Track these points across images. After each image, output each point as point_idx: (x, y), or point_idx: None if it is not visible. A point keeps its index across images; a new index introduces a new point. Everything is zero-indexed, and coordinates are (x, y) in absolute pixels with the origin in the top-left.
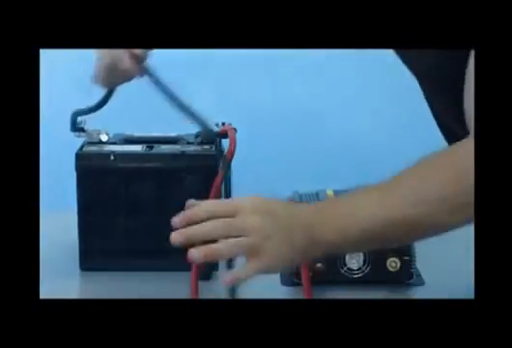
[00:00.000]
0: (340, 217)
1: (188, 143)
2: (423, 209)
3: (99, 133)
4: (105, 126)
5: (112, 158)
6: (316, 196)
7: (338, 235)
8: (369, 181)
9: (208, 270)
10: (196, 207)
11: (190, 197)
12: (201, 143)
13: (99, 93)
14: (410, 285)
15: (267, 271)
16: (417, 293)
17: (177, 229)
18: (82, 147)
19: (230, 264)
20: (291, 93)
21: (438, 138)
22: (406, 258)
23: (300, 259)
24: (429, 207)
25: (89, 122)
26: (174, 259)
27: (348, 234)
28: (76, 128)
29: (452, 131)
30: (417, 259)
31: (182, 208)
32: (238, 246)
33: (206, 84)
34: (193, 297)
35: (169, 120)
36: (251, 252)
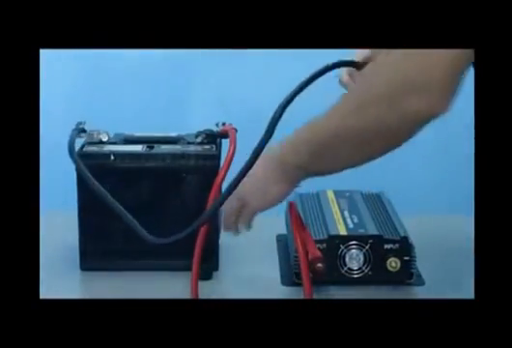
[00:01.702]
0: (292, 139)
1: (189, 143)
2: (359, 114)
3: (99, 133)
4: (105, 126)
5: (112, 157)
6: (316, 196)
7: (293, 153)
8: (369, 181)
9: (208, 270)
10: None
11: (190, 197)
12: (201, 143)
13: (100, 93)
14: (410, 285)
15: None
16: (417, 293)
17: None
18: (82, 147)
19: None
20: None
21: (436, 139)
22: (406, 258)
23: (283, 187)
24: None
25: (89, 122)
26: (174, 259)
27: (299, 149)
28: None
29: None
30: (417, 259)
31: (182, 208)
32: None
33: (206, 84)
34: (193, 297)
35: (169, 120)
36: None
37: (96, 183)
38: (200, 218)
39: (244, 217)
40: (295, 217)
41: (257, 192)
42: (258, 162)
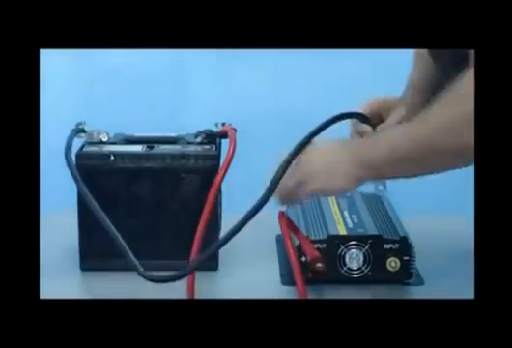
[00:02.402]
0: (376, 139)
1: (188, 143)
2: (441, 133)
3: (99, 134)
4: (105, 126)
5: (112, 158)
6: (316, 196)
7: (373, 153)
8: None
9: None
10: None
11: (190, 197)
12: (201, 143)
13: (99, 93)
14: (410, 285)
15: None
16: (417, 293)
17: None
18: (82, 147)
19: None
20: (291, 92)
21: None
22: (406, 258)
23: (347, 182)
24: (444, 131)
25: (89, 122)
26: (174, 259)
27: (382, 152)
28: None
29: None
30: (417, 259)
31: (181, 208)
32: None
33: (206, 84)
34: (190, 297)
35: (169, 120)
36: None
37: (89, 196)
38: (199, 259)
39: (299, 196)
40: (285, 228)
41: (320, 176)
42: (328, 148)
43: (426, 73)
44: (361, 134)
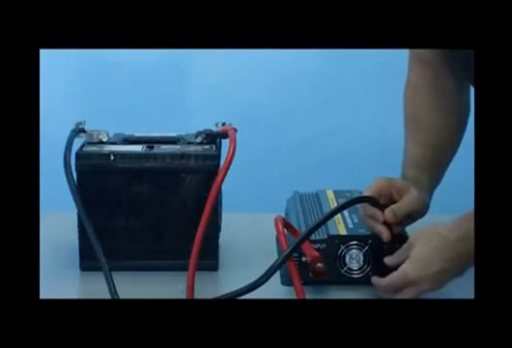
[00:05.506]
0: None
1: (188, 143)
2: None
3: (99, 133)
4: (105, 126)
5: (112, 158)
6: (316, 196)
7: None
8: (368, 181)
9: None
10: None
11: (190, 197)
12: (201, 143)
13: (98, 93)
14: None
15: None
16: None
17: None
18: (82, 147)
19: None
20: (291, 93)
21: None
22: None
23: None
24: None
25: (89, 122)
26: (174, 259)
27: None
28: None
29: None
30: None
31: (181, 208)
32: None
33: (206, 83)
34: (189, 297)
35: (169, 120)
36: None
37: (78, 198)
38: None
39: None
40: (281, 232)
41: (432, 280)
42: (438, 247)
43: (423, 147)
44: (372, 217)
